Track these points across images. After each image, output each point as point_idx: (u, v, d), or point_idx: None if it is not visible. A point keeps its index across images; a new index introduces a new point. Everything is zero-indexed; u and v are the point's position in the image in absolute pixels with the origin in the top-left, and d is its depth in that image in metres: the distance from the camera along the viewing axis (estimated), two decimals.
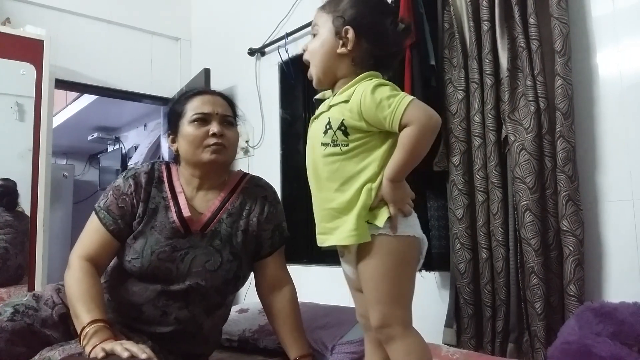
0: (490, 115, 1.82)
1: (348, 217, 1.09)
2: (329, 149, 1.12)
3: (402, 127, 1.06)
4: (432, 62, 2.00)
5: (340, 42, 1.15)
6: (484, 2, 1.85)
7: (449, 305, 1.95)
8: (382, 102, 1.07)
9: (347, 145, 1.11)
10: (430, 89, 1.97)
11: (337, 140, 1.11)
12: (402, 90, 1.94)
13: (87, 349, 1.11)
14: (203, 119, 1.38)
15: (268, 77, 3.19)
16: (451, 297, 1.95)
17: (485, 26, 1.85)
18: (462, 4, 1.97)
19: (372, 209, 1.09)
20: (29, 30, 2.87)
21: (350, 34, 1.14)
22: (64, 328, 1.31)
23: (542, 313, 1.66)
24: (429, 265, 2.11)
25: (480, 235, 1.84)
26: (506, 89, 1.78)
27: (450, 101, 1.94)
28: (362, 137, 1.11)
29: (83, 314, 1.18)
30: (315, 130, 1.17)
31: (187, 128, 1.38)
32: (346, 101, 1.12)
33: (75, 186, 5.67)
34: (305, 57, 1.22)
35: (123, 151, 5.64)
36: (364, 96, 1.08)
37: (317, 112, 1.20)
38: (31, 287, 2.67)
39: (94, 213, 1.36)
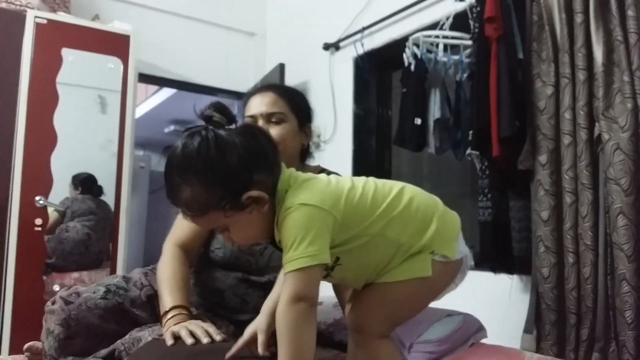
0: (582, 112, 1.73)
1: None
2: None
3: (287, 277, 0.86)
4: (520, 56, 1.92)
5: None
6: None
7: (529, 310, 1.88)
8: (293, 233, 0.86)
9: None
10: (516, 84, 1.89)
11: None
12: (487, 86, 1.89)
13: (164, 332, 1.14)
14: (251, 121, 1.37)
15: (342, 71, 3.18)
16: (531, 302, 1.87)
17: (578, 18, 1.76)
18: None
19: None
20: (117, 26, 3.01)
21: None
22: (150, 308, 1.35)
23: (633, 322, 1.57)
24: (509, 268, 2.03)
25: (567, 239, 1.75)
26: (600, 85, 1.69)
27: (538, 97, 1.86)
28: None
29: (166, 296, 1.21)
30: None
31: None
32: None
33: (150, 176, 5.91)
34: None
35: None
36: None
37: None
38: (113, 271, 2.80)
39: None
